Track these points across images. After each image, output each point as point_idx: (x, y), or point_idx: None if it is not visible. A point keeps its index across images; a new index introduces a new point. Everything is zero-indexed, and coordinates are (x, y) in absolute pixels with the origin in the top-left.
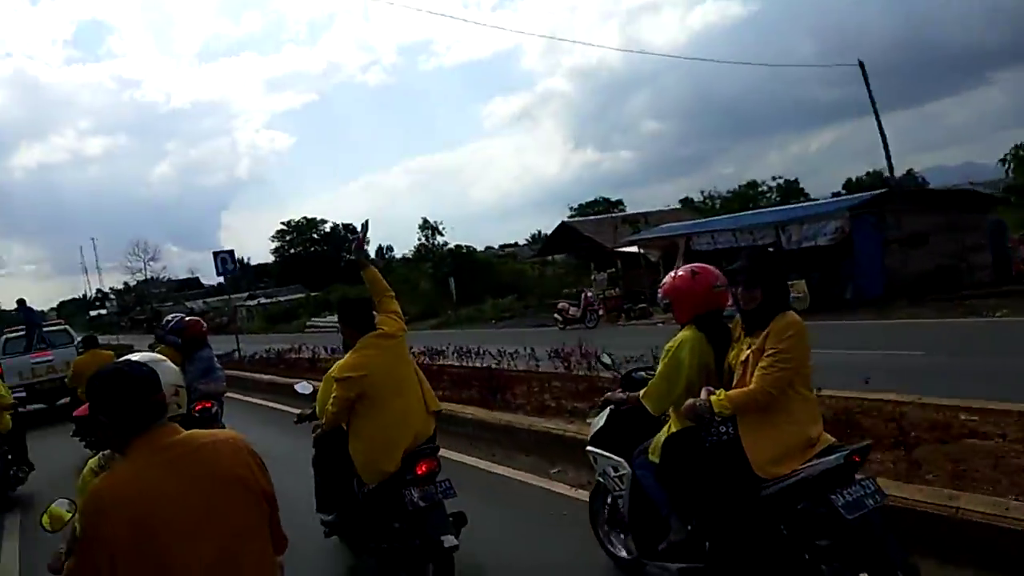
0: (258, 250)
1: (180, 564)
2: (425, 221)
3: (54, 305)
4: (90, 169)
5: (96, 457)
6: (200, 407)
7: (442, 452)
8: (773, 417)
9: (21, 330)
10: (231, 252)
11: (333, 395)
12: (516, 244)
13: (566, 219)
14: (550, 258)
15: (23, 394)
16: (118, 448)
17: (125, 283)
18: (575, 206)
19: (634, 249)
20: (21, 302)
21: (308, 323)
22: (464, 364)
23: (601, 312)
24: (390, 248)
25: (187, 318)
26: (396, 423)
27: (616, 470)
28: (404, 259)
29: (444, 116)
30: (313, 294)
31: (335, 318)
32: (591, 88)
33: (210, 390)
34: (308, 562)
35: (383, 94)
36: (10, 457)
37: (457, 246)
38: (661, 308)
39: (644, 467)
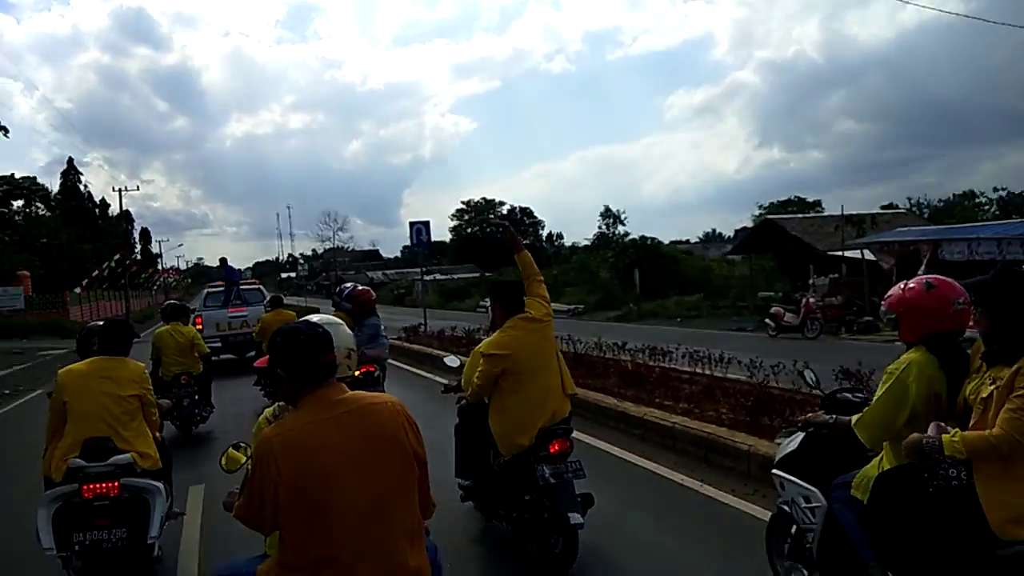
0: (434, 228)
1: (335, 508)
2: (607, 209)
3: (250, 265)
4: (290, 142)
5: (272, 407)
6: (365, 370)
7: (603, 444)
8: (1019, 469)
9: (221, 286)
10: (426, 223)
11: (479, 370)
12: (687, 241)
13: (770, 216)
14: (738, 257)
15: (218, 344)
16: (290, 400)
17: (313, 250)
18: (765, 204)
19: (858, 254)
20: (223, 260)
21: (480, 303)
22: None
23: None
24: (560, 236)
25: (359, 288)
26: (535, 401)
27: (808, 500)
28: (582, 247)
29: (624, 107)
30: (487, 274)
31: None
32: (783, 83)
33: (375, 355)
34: (442, 523)
35: (565, 83)
36: (197, 398)
37: (642, 237)
38: (883, 323)
39: (845, 503)
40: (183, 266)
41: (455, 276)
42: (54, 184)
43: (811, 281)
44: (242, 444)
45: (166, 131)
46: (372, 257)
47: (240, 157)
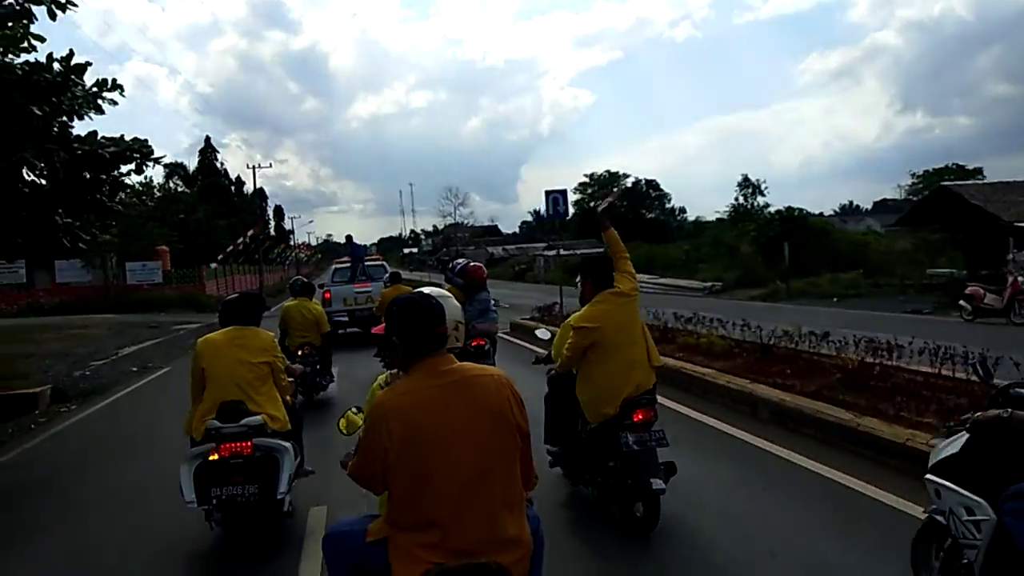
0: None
1: (439, 474)
2: (745, 179)
3: (375, 241)
4: (413, 121)
5: (385, 374)
6: (475, 343)
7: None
8: None
9: (347, 262)
10: (563, 192)
11: (569, 342)
12: (821, 214)
13: (944, 183)
14: (896, 230)
15: (345, 318)
16: (403, 367)
17: (434, 226)
18: (918, 173)
19: None
20: (349, 237)
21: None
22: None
23: None
24: (683, 210)
25: (471, 264)
26: (621, 372)
27: (971, 512)
28: (716, 221)
29: (751, 74)
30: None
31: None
32: (928, 43)
33: (485, 329)
34: None
35: (689, 51)
36: (318, 367)
37: (788, 208)
38: None
39: (1020, 516)
40: (313, 242)
41: (577, 251)
42: (194, 164)
43: (1011, 256)
44: (359, 409)
45: (298, 112)
46: (491, 232)
47: (366, 136)
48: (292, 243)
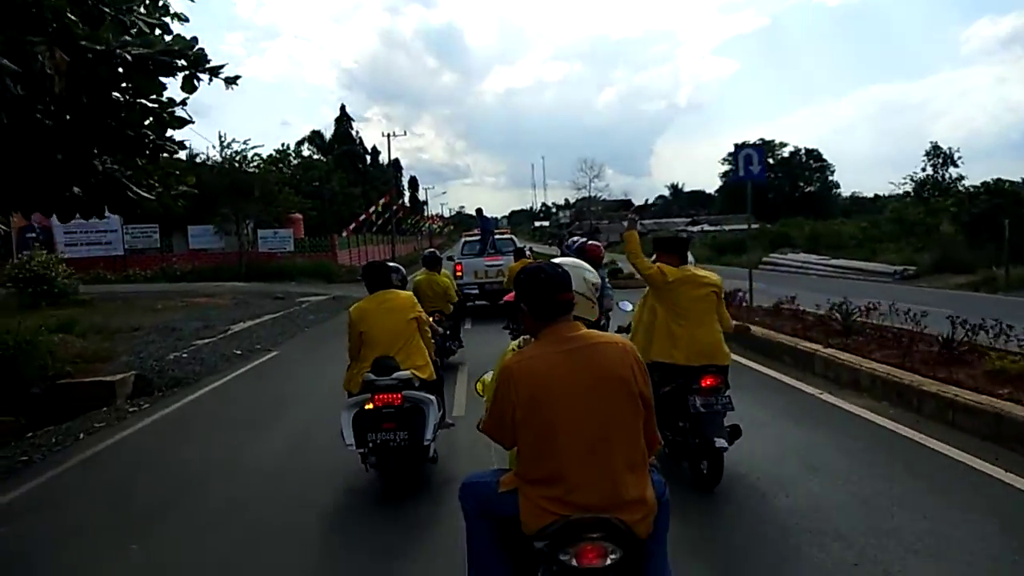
0: (690, 177)
1: (564, 432)
2: (935, 148)
3: (506, 214)
4: (546, 94)
5: (516, 341)
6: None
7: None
8: None
9: (477, 234)
10: (758, 148)
11: (651, 272)
12: None
13: None
14: None
15: (475, 291)
16: (532, 332)
17: (567, 199)
18: None
19: None
20: (479, 211)
21: (764, 258)
22: None
23: None
24: (835, 184)
25: (589, 242)
26: (688, 341)
27: None
28: (897, 196)
29: (911, 42)
30: (768, 225)
31: (796, 255)
32: None
33: (605, 306)
34: None
35: (842, 16)
36: (448, 333)
37: (997, 180)
38: None
39: None
40: (446, 214)
41: (725, 228)
42: (330, 134)
43: None
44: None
45: (435, 87)
46: (625, 207)
47: (500, 109)
48: (426, 214)
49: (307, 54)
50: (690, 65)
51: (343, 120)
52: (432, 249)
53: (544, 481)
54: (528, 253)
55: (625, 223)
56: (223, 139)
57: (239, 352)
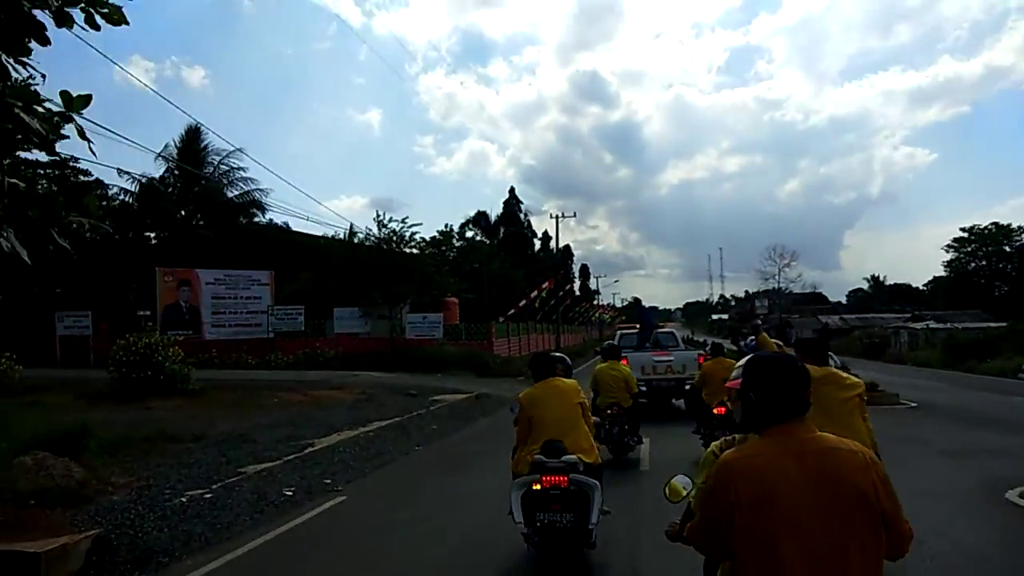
0: (888, 270)
1: (791, 545)
2: None
3: (680, 306)
4: (724, 186)
5: (718, 442)
6: None
7: None
8: None
9: (635, 327)
10: None
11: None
12: None
13: None
14: None
15: (643, 387)
16: (756, 428)
17: (746, 291)
18: None
19: None
20: (636, 300)
21: None
22: None
23: None
24: None
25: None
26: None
27: None
28: None
29: None
30: (1017, 324)
31: None
32: None
33: None
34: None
35: None
36: (627, 427)
37: None
38: None
39: None
40: (618, 303)
41: (957, 324)
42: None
43: None
44: (686, 478)
45: (610, 181)
46: (816, 300)
47: (675, 202)
48: (597, 303)
49: (490, 153)
50: (883, 154)
51: (511, 203)
52: (610, 341)
53: None
54: (725, 350)
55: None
56: (380, 217)
57: (290, 493)
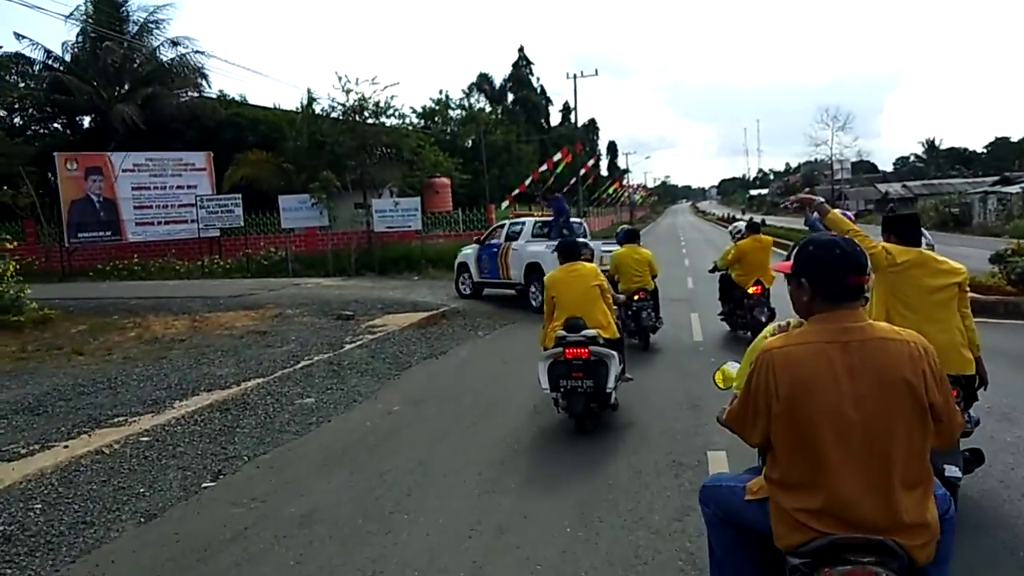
0: (940, 134)
1: (830, 434)
2: None
3: (715, 184)
4: (758, 55)
5: (770, 326)
6: None
7: None
8: None
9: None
10: None
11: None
12: None
13: None
14: None
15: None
16: (804, 313)
17: (787, 164)
18: None
19: None
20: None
21: None
22: None
23: None
24: None
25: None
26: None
27: None
28: None
29: None
30: None
31: None
32: None
33: None
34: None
35: None
36: (651, 311)
37: None
38: None
39: None
40: (650, 183)
41: None
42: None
43: None
44: (735, 363)
45: (643, 50)
46: (865, 169)
47: (708, 77)
48: (627, 183)
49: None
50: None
51: (521, 64)
52: (624, 224)
53: (801, 488)
54: (740, 229)
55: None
56: (343, 80)
57: None
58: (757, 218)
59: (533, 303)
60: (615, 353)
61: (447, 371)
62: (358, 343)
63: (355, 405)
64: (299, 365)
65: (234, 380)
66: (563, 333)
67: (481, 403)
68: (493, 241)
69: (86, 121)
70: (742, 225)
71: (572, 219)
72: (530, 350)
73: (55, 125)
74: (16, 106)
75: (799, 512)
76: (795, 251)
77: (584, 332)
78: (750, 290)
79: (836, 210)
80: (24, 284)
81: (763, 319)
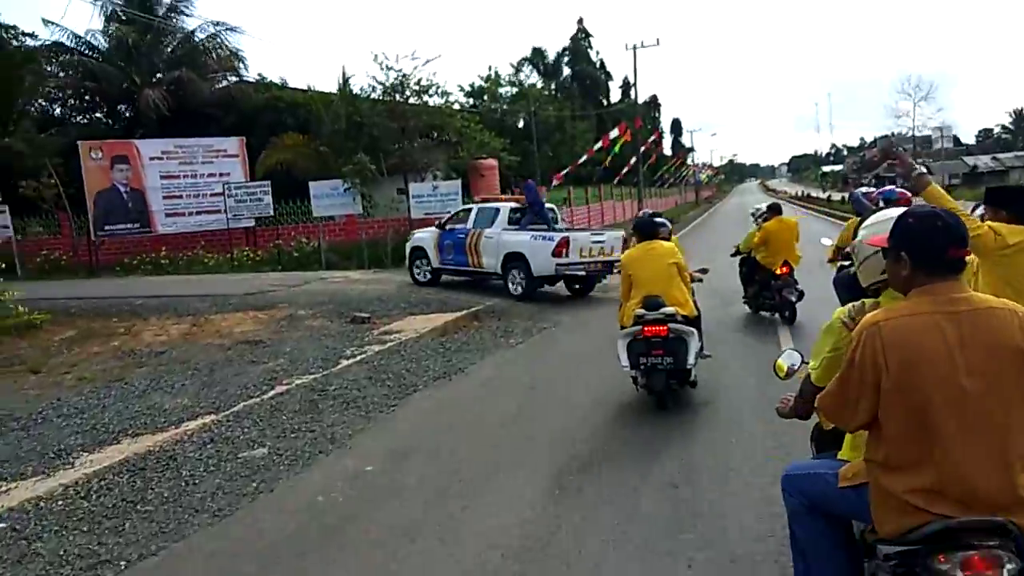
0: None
1: (943, 412)
2: None
3: (785, 161)
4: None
5: (847, 307)
6: None
7: None
8: None
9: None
10: None
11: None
12: None
13: None
14: None
15: (582, 273)
16: (903, 288)
17: (861, 139)
18: None
19: None
20: (524, 178)
21: None
22: None
23: None
24: None
25: (898, 190)
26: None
27: None
28: None
29: None
30: None
31: None
32: None
33: None
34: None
35: None
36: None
37: None
38: None
39: None
40: (716, 162)
41: None
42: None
43: None
44: (796, 353)
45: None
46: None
47: (777, 47)
48: (692, 161)
49: None
50: None
51: (579, 37)
52: (645, 211)
53: (910, 468)
54: (763, 211)
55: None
56: (381, 61)
57: None
58: (827, 195)
59: (512, 291)
60: (694, 330)
61: (456, 402)
62: (359, 357)
63: (317, 460)
64: (271, 393)
65: (180, 417)
66: (642, 311)
67: (485, 463)
68: (459, 227)
69: (122, 110)
70: (764, 207)
71: (547, 205)
72: (568, 367)
73: (97, 115)
74: (54, 96)
75: (909, 493)
76: (894, 224)
77: (663, 310)
78: (778, 271)
79: (933, 186)
80: (7, 287)
81: (793, 299)
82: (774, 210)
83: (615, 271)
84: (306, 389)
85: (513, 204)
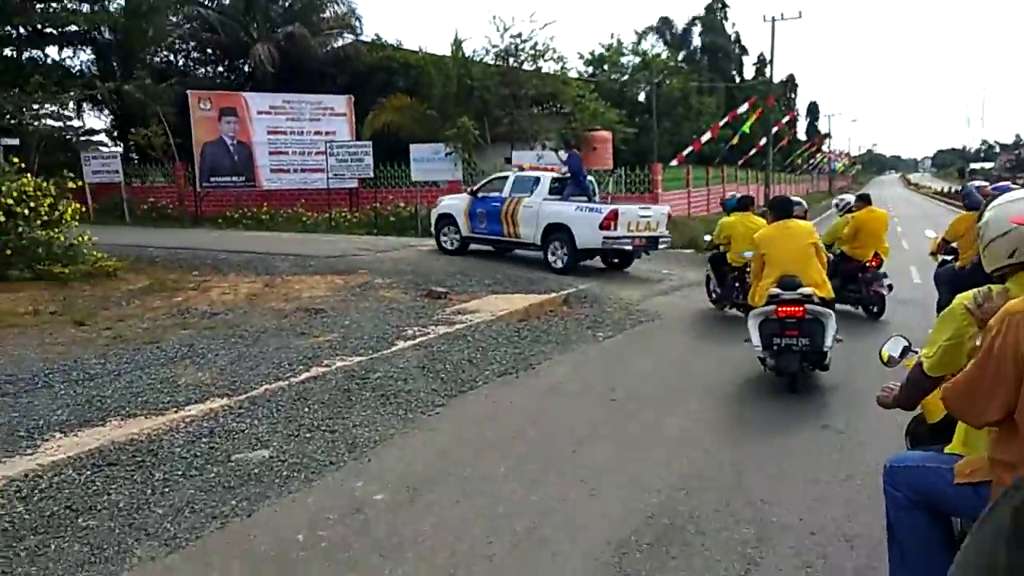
0: None
1: None
2: None
3: (929, 155)
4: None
5: (970, 293)
6: None
7: None
8: None
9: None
10: None
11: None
12: None
13: None
14: None
15: (628, 247)
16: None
17: (1017, 135)
18: None
19: None
20: (568, 143)
21: None
22: None
23: None
24: None
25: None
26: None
27: None
28: None
29: None
30: None
31: None
32: None
33: None
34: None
35: None
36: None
37: None
38: None
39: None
40: (854, 151)
41: None
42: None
43: None
44: (902, 339)
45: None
46: None
47: (925, 31)
48: (828, 148)
49: None
50: None
51: (715, 7)
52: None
53: None
54: (849, 201)
55: None
56: (498, 24)
57: None
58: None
59: (552, 263)
60: (831, 312)
61: (515, 409)
62: (419, 339)
63: (323, 475)
64: (304, 376)
65: (188, 397)
66: (777, 291)
67: (525, 513)
68: (494, 194)
69: (240, 64)
70: (850, 198)
71: (588, 177)
72: (662, 376)
73: (219, 68)
74: (178, 48)
75: None
76: None
77: (801, 290)
78: (868, 263)
79: None
80: (85, 232)
81: (884, 292)
82: (864, 200)
83: (660, 246)
84: (344, 375)
85: (555, 173)
